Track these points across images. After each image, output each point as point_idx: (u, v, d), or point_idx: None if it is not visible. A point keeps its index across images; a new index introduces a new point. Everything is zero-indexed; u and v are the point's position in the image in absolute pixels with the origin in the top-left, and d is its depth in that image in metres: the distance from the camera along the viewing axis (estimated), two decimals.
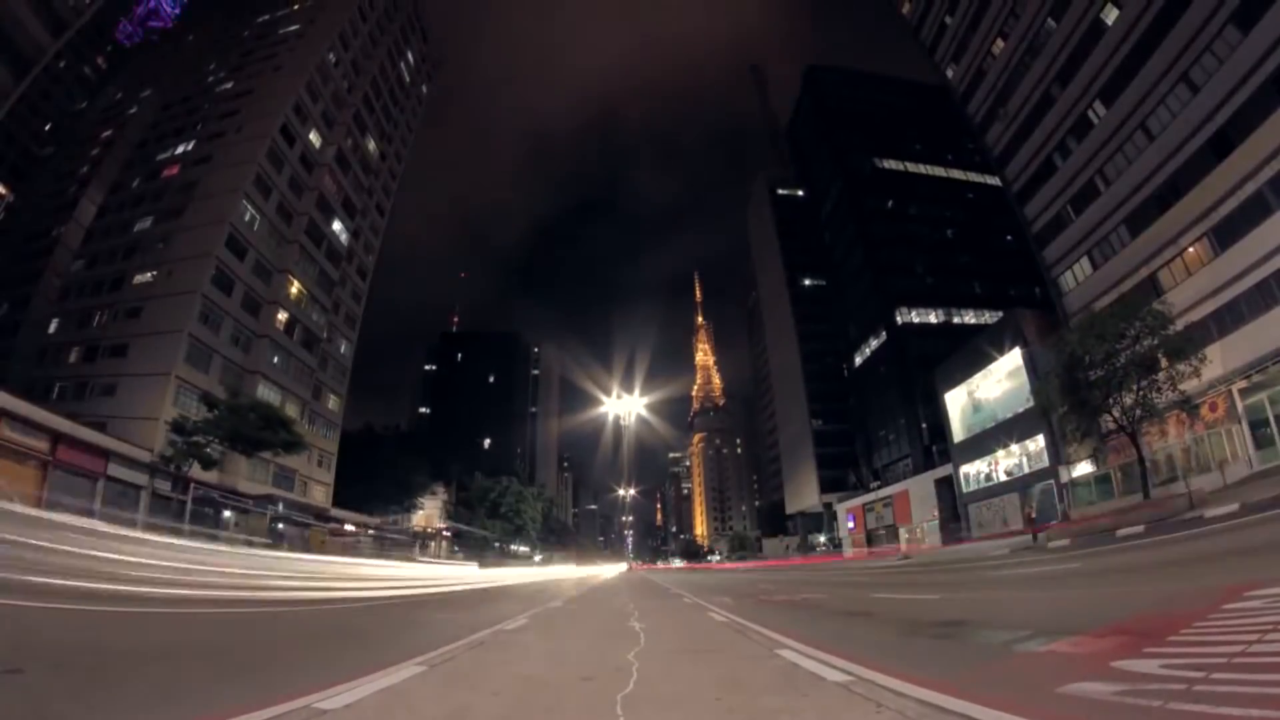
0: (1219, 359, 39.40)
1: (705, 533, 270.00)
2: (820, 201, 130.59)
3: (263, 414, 52.43)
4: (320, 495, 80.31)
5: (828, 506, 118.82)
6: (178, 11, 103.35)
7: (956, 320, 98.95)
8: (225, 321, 68.58)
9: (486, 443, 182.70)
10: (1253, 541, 16.97)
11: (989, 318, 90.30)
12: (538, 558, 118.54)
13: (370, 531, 77.29)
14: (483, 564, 69.70)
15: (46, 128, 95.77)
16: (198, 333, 64.87)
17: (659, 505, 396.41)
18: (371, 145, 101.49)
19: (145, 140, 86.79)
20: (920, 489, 78.66)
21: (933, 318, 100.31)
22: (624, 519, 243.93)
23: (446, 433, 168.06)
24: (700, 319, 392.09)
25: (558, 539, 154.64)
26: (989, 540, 53.87)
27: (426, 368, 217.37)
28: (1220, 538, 19.98)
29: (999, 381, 62.81)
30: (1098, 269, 55.44)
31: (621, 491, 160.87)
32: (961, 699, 5.12)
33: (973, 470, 67.84)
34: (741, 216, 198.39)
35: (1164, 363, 35.42)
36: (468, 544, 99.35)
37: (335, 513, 75.25)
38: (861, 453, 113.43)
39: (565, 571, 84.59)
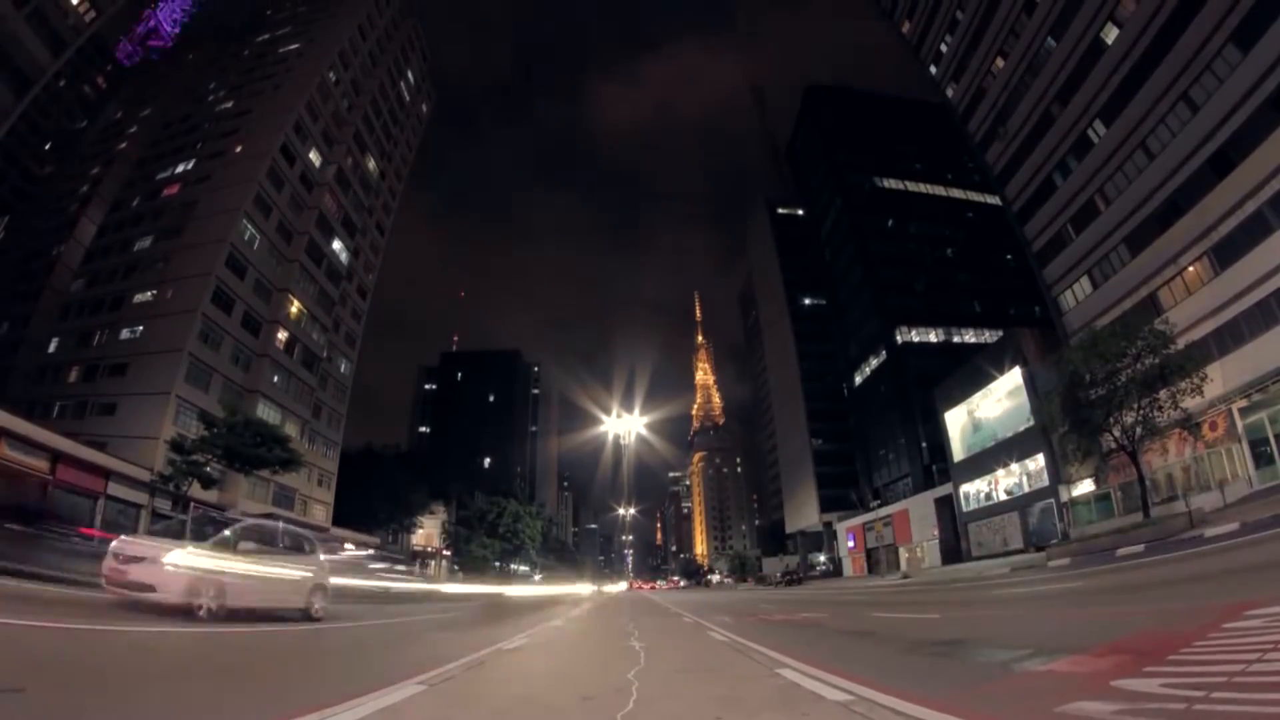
0: (1219, 378, 39.39)
1: (705, 552, 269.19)
2: (820, 220, 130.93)
3: (258, 431, 52.36)
4: (320, 514, 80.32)
5: (828, 525, 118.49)
6: (177, 30, 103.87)
7: (956, 339, 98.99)
8: (225, 340, 68.73)
9: (486, 462, 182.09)
10: (1253, 560, 16.95)
11: (989, 337, 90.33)
12: (537, 577, 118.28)
13: (370, 551, 77.09)
14: (484, 582, 69.76)
15: (46, 147, 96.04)
16: (198, 352, 64.99)
17: (659, 524, 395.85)
18: (371, 164, 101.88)
19: (145, 159, 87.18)
20: (920, 508, 78.54)
21: (933, 336, 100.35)
22: (624, 538, 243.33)
23: (446, 452, 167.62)
24: (700, 338, 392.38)
25: (557, 558, 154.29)
26: (989, 559, 53.87)
27: (426, 386, 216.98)
28: (1220, 556, 19.95)
29: (999, 400, 62.80)
30: (1098, 288, 55.50)
31: (621, 511, 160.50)
32: (962, 718, 5.12)
33: (973, 489, 67.78)
34: (742, 234, 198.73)
35: (1164, 381, 35.43)
36: (467, 563, 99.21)
37: (335, 531, 75.08)
38: (861, 472, 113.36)
39: (565, 590, 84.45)
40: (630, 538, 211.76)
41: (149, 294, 69.84)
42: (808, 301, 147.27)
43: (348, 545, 72.43)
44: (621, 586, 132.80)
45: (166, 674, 8.01)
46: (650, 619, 22.82)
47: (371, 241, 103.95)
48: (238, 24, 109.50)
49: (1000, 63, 68.23)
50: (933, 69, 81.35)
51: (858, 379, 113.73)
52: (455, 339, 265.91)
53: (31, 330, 75.33)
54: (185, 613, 13.20)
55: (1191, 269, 45.56)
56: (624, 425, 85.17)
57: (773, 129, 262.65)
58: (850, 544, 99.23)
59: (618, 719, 5.94)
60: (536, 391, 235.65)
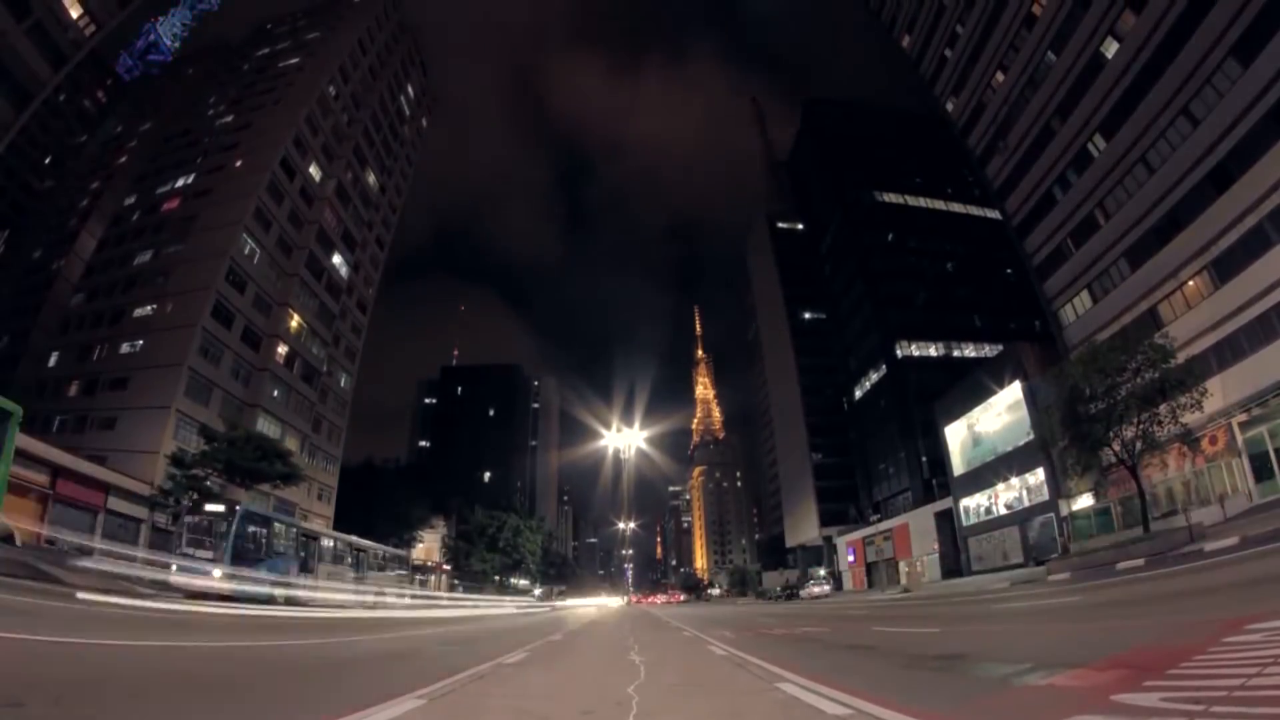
0: (1219, 392, 39.35)
1: (705, 566, 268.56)
2: (820, 235, 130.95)
3: (259, 445, 52.37)
4: (320, 528, 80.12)
5: (828, 539, 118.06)
6: (177, 45, 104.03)
7: (956, 353, 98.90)
8: (225, 355, 68.80)
9: (486, 476, 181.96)
10: (1253, 574, 16.92)
11: (989, 351, 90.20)
12: (537, 591, 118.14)
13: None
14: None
15: (46, 161, 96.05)
16: (198, 366, 65.04)
17: (659, 538, 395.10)
18: (371, 178, 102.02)
19: (145, 173, 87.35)
20: (920, 522, 78.36)
21: (933, 351, 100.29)
22: (624, 552, 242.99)
23: (446, 466, 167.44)
24: (700, 352, 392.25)
25: (557, 572, 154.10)
26: (989, 573, 53.75)
27: (426, 400, 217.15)
28: (1220, 571, 19.92)
29: (999, 415, 62.71)
30: (1098, 302, 55.57)
31: (621, 525, 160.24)
32: None
33: (973, 503, 67.64)
34: (742, 249, 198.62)
35: (1164, 396, 35.36)
36: (467, 578, 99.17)
37: None
38: (861, 486, 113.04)
39: (565, 605, 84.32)
40: (630, 552, 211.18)
41: (149, 308, 69.96)
42: (808, 316, 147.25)
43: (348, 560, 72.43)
44: (621, 601, 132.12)
45: (166, 688, 8.00)
46: (650, 633, 22.77)
47: (371, 256, 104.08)
48: (238, 39, 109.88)
49: (1000, 77, 68.43)
50: (933, 83, 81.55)
51: (858, 393, 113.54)
52: (455, 353, 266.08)
53: (32, 344, 75.38)
54: None
55: (1191, 283, 45.65)
56: (624, 439, 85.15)
57: (773, 143, 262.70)
58: (850, 558, 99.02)
59: None
60: (536, 405, 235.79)
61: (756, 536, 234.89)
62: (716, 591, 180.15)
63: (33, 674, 7.78)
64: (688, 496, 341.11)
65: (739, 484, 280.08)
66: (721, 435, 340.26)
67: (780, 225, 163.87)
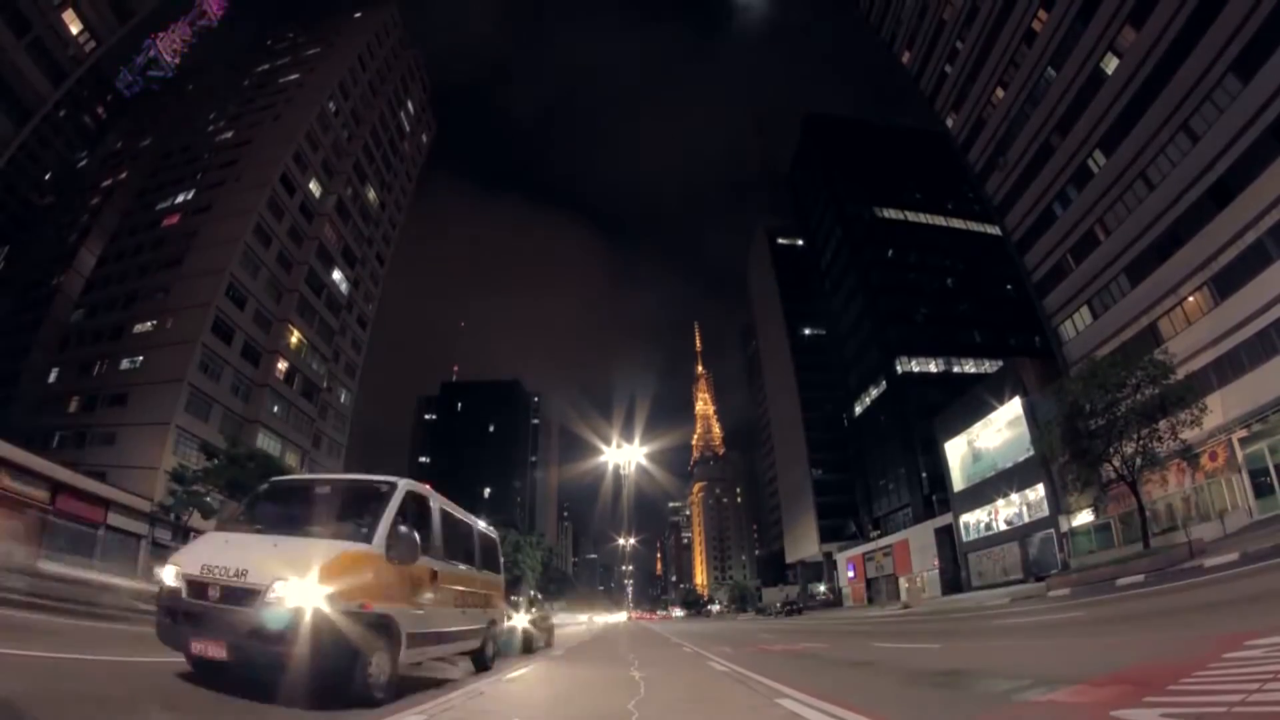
0: (1219, 408, 39.31)
1: (705, 582, 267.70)
2: (820, 250, 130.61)
3: (261, 462, 52.28)
4: None
5: (828, 555, 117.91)
6: (177, 61, 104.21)
7: (957, 369, 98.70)
8: (225, 371, 68.79)
9: (486, 492, 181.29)
10: (1253, 590, 16.89)
11: (989, 367, 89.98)
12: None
13: None
14: None
15: (46, 177, 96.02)
16: (198, 382, 65.00)
17: (659, 554, 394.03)
18: (371, 194, 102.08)
19: (145, 189, 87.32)
20: (920, 538, 78.23)
21: (933, 366, 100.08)
22: (624, 568, 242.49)
23: (446, 481, 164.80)
24: (700, 368, 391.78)
25: (557, 588, 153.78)
26: (989, 589, 53.60)
27: (427, 416, 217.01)
28: (1220, 587, 19.88)
29: (999, 431, 62.66)
30: (1098, 318, 55.52)
31: (621, 541, 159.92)
32: None
33: (973, 519, 67.55)
34: (743, 264, 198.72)
35: (1164, 412, 35.31)
36: None
37: None
38: (861, 502, 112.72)
39: (565, 619, 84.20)
40: (630, 568, 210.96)
41: (149, 324, 69.96)
42: (808, 332, 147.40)
43: None
44: (621, 617, 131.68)
45: (161, 702, 7.97)
46: (650, 649, 22.75)
47: (371, 271, 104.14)
48: (238, 54, 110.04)
49: (1000, 93, 68.44)
50: (933, 99, 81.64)
51: (858, 409, 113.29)
52: (455, 369, 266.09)
53: (31, 360, 75.24)
54: None
55: (1191, 299, 45.61)
56: (624, 455, 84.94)
57: (773, 158, 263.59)
58: (850, 574, 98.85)
59: None
60: (536, 421, 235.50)
61: (756, 552, 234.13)
62: (716, 608, 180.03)
63: (34, 688, 7.77)
64: (688, 512, 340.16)
65: (739, 500, 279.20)
66: (721, 451, 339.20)
67: (780, 241, 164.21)
